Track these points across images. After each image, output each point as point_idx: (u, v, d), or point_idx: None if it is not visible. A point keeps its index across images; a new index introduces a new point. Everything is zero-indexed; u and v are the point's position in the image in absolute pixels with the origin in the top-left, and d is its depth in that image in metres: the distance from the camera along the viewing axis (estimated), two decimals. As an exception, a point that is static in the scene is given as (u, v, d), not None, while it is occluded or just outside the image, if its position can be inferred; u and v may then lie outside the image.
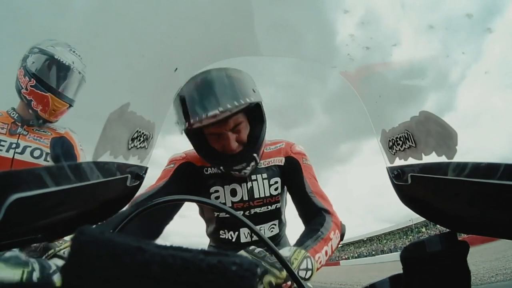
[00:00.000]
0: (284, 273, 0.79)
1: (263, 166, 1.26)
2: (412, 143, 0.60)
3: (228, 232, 1.25)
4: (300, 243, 0.99)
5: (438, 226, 0.59)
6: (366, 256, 56.12)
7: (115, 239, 0.21)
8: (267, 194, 1.23)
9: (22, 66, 1.59)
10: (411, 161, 0.61)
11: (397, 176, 0.64)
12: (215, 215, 1.28)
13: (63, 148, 1.74)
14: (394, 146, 0.65)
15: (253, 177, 1.22)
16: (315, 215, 1.14)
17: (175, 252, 0.21)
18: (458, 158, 0.50)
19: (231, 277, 0.20)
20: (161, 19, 0.71)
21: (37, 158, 1.64)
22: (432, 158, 0.55)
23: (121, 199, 0.66)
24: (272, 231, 1.26)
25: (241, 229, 1.23)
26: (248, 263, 0.21)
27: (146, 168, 0.71)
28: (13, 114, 1.67)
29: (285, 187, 1.33)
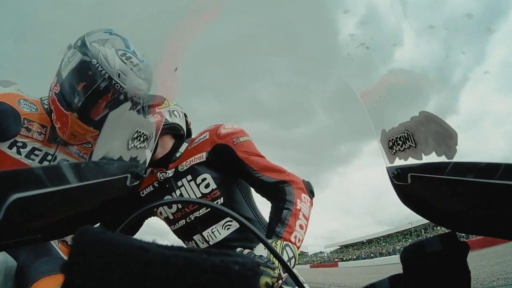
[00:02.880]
0: (277, 271, 0.79)
1: (185, 168, 1.19)
2: (412, 143, 0.60)
3: (188, 243, 1.24)
4: (270, 230, 0.96)
5: (437, 229, 0.59)
6: (364, 259, 55.95)
7: (117, 239, 0.21)
8: (198, 195, 1.17)
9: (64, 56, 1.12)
10: (411, 161, 0.61)
11: (397, 176, 0.64)
12: (172, 229, 1.27)
13: None
14: (394, 146, 0.65)
15: (179, 183, 1.19)
16: (273, 191, 1.09)
17: (178, 252, 0.21)
18: (458, 158, 0.50)
19: (234, 276, 0.20)
20: (161, 18, 0.71)
21: None
22: (432, 158, 0.55)
23: (121, 199, 0.66)
24: (228, 228, 1.18)
25: (194, 237, 1.21)
26: (251, 262, 0.21)
27: (146, 168, 0.71)
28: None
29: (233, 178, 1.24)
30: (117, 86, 1.06)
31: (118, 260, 0.20)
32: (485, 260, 10.05)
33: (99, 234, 0.22)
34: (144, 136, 0.67)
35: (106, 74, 1.05)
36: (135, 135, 0.64)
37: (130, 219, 0.46)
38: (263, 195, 1.17)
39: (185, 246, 0.22)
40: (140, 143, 0.66)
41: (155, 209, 1.23)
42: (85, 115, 1.10)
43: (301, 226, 0.97)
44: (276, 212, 1.01)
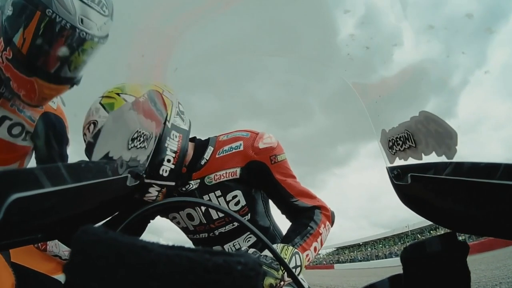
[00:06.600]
0: (281, 272, 0.79)
1: (213, 182, 1.07)
2: (412, 143, 0.60)
3: None
4: (288, 239, 0.97)
5: (433, 233, 0.59)
6: (360, 261, 55.80)
7: (119, 238, 0.21)
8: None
9: None
10: (411, 161, 0.61)
11: (397, 176, 0.64)
12: (190, 237, 1.24)
13: (53, 130, 1.19)
14: (394, 146, 0.65)
15: (205, 197, 1.08)
16: (302, 214, 1.08)
17: (181, 251, 0.21)
18: (458, 158, 0.50)
19: (237, 276, 0.20)
20: (159, 18, 0.71)
21: (15, 136, 1.09)
22: (432, 158, 0.55)
23: (121, 199, 0.66)
24: (249, 241, 1.16)
25: (214, 248, 1.16)
26: (253, 262, 0.21)
27: (146, 168, 0.71)
28: None
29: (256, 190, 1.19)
30: (82, 34, 0.89)
31: (120, 260, 0.20)
32: (484, 265, 10.00)
33: (101, 233, 0.22)
34: (144, 136, 0.67)
35: (68, 24, 0.86)
36: (135, 135, 0.64)
37: (131, 218, 0.46)
38: (288, 217, 1.12)
39: (185, 246, 0.22)
40: (140, 143, 0.66)
41: (171, 217, 1.16)
42: (52, 75, 0.94)
43: (315, 248, 0.98)
44: (299, 226, 1.01)
